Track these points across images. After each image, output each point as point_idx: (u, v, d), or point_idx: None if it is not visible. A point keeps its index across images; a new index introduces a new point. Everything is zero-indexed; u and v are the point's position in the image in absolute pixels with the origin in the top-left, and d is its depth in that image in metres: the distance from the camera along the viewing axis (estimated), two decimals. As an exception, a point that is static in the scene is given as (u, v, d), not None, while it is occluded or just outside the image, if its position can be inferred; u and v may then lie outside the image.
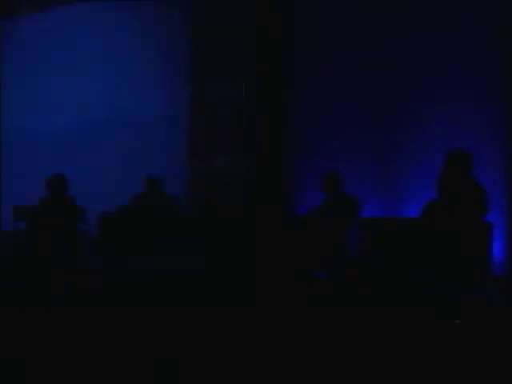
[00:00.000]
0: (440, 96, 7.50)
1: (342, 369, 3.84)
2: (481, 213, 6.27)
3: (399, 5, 7.89)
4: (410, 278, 5.28)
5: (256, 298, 4.91)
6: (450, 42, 7.44)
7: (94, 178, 10.43)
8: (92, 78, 10.52)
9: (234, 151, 8.88)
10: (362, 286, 5.19)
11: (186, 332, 4.43)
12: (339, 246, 6.97)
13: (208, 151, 9.10)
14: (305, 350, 4.06)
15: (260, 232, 6.99)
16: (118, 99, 10.34)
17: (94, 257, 7.26)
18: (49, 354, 4.14)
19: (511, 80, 7.03)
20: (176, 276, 5.69)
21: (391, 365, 3.81)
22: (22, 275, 6.15)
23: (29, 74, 11.36)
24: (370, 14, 8.06)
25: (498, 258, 6.64)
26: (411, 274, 5.35)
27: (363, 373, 3.78)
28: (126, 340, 4.38)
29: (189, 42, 9.47)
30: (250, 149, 8.78)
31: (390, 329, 4.09)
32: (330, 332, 4.23)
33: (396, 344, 3.96)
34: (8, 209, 10.56)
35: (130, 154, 10.19)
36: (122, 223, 7.87)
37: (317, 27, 8.52)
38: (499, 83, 7.09)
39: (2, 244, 8.39)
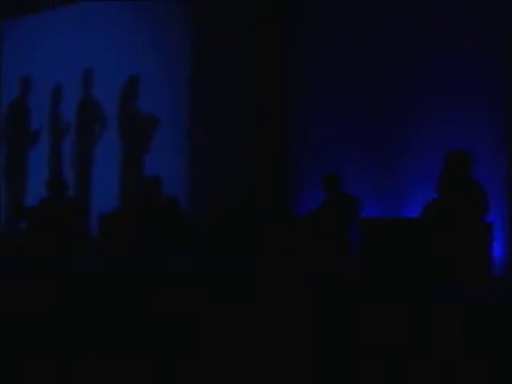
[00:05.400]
0: (440, 96, 7.50)
1: (342, 369, 3.85)
2: (481, 213, 6.27)
3: (399, 5, 7.89)
4: (410, 278, 5.28)
5: (256, 298, 4.92)
6: (450, 42, 7.43)
7: (94, 178, 10.44)
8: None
9: (234, 152, 8.88)
10: (362, 286, 5.19)
11: (185, 332, 4.44)
12: (339, 245, 6.97)
13: (208, 152, 9.11)
14: (304, 350, 4.06)
15: (260, 232, 6.99)
16: (117, 96, 10.34)
17: (94, 257, 7.27)
18: (48, 353, 4.15)
19: (511, 80, 7.03)
20: (176, 276, 5.69)
21: (391, 365, 3.81)
22: (21, 275, 6.16)
23: (28, 74, 11.36)
24: (369, 14, 8.06)
25: (498, 257, 6.64)
26: (411, 274, 5.35)
27: (363, 373, 3.78)
28: (124, 341, 4.38)
29: (189, 47, 9.46)
30: (249, 149, 8.78)
31: (389, 329, 4.10)
32: (329, 332, 4.23)
33: (396, 344, 3.96)
34: (8, 209, 10.58)
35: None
36: (122, 223, 7.88)
37: (318, 29, 8.51)
38: (499, 83, 7.09)
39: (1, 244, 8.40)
